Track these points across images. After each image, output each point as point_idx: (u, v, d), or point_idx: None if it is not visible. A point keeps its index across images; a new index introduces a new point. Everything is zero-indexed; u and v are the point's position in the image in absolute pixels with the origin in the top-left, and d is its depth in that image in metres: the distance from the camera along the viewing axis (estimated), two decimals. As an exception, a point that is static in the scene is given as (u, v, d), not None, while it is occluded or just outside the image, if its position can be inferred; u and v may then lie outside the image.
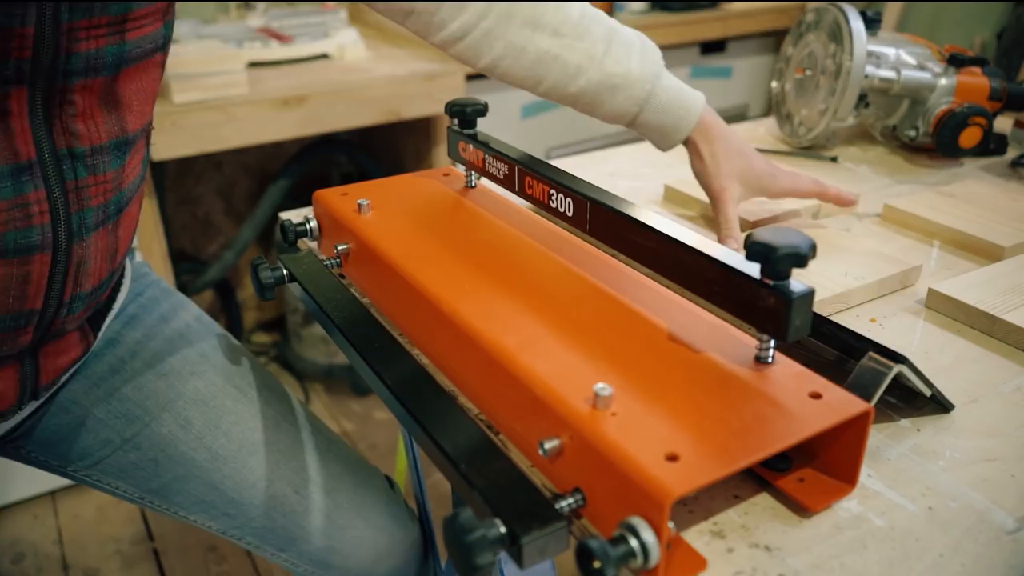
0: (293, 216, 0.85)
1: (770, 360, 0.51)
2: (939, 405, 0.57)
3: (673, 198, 0.94)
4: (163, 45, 0.60)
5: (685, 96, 0.76)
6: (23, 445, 0.76)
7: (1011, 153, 1.05)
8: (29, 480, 1.67)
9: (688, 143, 0.79)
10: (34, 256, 0.55)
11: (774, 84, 1.15)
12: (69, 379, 0.74)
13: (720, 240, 0.76)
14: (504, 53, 0.72)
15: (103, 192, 0.59)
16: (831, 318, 0.59)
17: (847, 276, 0.71)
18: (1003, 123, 1.10)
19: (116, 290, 0.76)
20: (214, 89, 1.45)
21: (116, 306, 0.76)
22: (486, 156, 0.74)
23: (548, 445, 0.47)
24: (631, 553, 0.40)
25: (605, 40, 0.73)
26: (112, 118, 0.57)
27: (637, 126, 0.78)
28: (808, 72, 1.07)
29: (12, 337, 0.58)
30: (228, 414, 0.77)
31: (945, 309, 0.69)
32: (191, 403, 0.76)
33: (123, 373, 0.76)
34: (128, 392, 0.75)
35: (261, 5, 1.95)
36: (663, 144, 0.79)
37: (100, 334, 0.74)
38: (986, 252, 0.79)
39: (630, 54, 0.73)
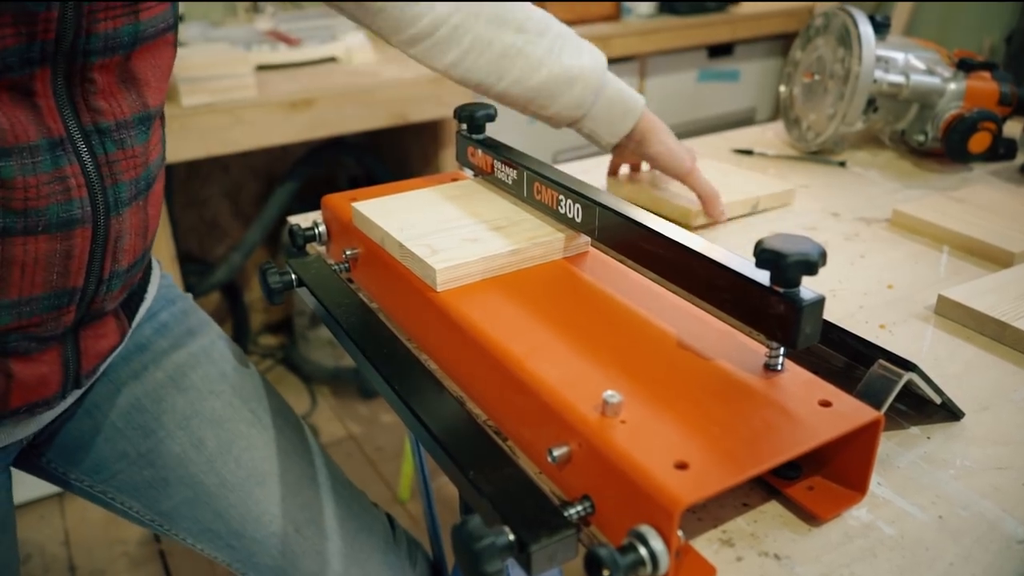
0: (302, 221, 0.85)
1: (779, 368, 0.51)
2: (949, 413, 0.57)
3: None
4: (173, 24, 0.64)
5: (628, 91, 0.83)
6: (45, 452, 0.77)
7: (1020, 158, 1.05)
8: (36, 481, 1.65)
9: (635, 133, 0.83)
10: (76, 230, 0.58)
11: (782, 88, 1.15)
12: (96, 380, 0.75)
13: (713, 211, 0.83)
14: (470, 48, 0.76)
15: (133, 167, 0.61)
16: (840, 325, 0.58)
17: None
18: (1012, 128, 1.09)
19: (147, 277, 0.77)
20: (222, 92, 1.45)
21: (148, 297, 0.77)
22: (495, 161, 0.74)
23: (557, 452, 0.47)
24: (640, 561, 0.40)
25: (561, 37, 0.80)
26: (132, 94, 0.60)
27: (588, 120, 0.82)
28: (816, 76, 1.07)
29: (56, 317, 0.60)
30: (240, 438, 0.77)
31: (955, 316, 0.68)
32: (207, 423, 0.77)
33: (144, 382, 0.76)
34: (147, 404, 0.76)
35: (269, 8, 1.95)
36: (610, 134, 0.83)
37: (134, 323, 0.74)
38: (996, 258, 0.78)
39: (581, 51, 0.80)
